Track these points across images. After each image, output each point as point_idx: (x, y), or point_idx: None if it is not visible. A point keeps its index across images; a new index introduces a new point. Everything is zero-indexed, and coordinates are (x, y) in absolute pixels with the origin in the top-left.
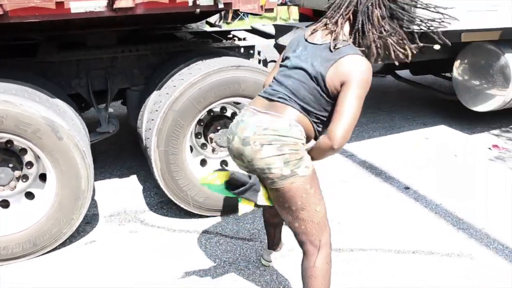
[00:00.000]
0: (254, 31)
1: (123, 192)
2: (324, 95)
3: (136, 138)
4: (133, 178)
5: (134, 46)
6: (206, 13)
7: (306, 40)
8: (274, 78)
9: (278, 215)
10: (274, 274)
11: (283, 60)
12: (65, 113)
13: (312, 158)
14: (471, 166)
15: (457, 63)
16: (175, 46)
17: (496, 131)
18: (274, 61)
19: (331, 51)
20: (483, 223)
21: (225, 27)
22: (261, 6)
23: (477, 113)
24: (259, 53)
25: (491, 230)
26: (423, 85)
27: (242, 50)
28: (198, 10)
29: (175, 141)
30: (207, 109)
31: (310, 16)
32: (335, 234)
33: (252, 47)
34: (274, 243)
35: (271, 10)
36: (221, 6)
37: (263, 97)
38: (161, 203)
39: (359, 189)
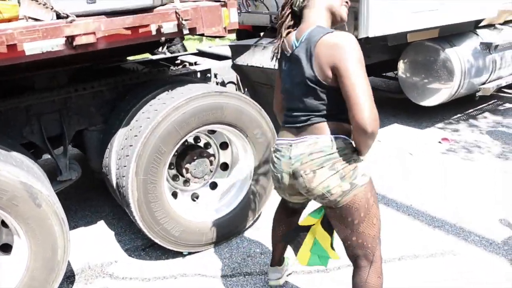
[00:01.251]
0: (201, 54)
1: (82, 246)
2: (325, 92)
3: (94, 180)
4: (90, 228)
5: (88, 83)
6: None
7: (285, 53)
8: (283, 105)
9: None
10: None
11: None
12: (32, 169)
13: (361, 154)
14: (428, 162)
15: (401, 62)
16: (131, 79)
17: (440, 125)
18: (232, 83)
19: (303, 47)
20: (455, 217)
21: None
22: (224, 28)
23: (419, 109)
24: (215, 75)
25: (464, 224)
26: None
27: (198, 74)
28: (163, 38)
29: (155, 169)
30: (189, 135)
31: (249, 30)
32: None
33: (208, 70)
34: (279, 259)
35: (233, 31)
36: (186, 32)
37: (288, 127)
38: (128, 250)
39: None
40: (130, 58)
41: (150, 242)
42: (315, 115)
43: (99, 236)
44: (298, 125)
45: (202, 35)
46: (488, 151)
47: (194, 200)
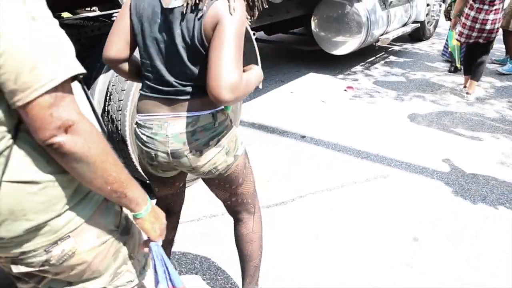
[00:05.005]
0: None
1: None
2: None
3: None
4: None
5: None
6: None
7: (161, 5)
8: (144, 63)
9: (174, 228)
10: None
11: (135, 29)
12: None
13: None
14: (340, 107)
15: (314, 17)
16: (93, 30)
17: (340, 76)
18: None
19: (195, 10)
20: (376, 149)
21: None
22: None
23: (320, 62)
24: None
25: (385, 153)
26: (285, 42)
27: None
28: None
29: None
30: None
31: None
32: (269, 193)
33: None
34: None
35: None
36: None
37: (156, 97)
38: None
39: (263, 147)
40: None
41: None
42: (193, 86)
43: None
44: (171, 97)
45: None
46: (386, 95)
47: None
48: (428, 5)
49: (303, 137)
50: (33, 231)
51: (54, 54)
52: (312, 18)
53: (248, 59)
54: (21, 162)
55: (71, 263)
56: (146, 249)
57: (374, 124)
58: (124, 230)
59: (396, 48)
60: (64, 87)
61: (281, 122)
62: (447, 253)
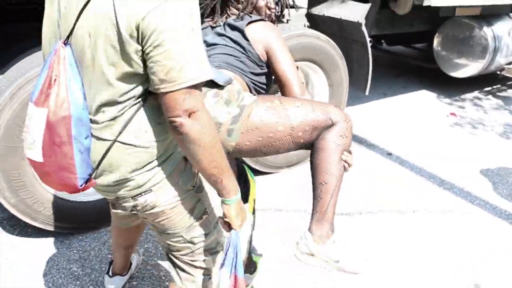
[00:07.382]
0: None
1: None
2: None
3: None
4: None
5: None
6: None
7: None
8: None
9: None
10: None
11: None
12: None
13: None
14: (436, 132)
15: (438, 35)
16: None
17: (447, 100)
18: None
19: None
20: (463, 182)
21: None
22: None
23: (426, 85)
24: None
25: (470, 188)
26: (403, 55)
27: None
28: None
29: None
30: None
31: None
32: (341, 201)
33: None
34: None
35: None
36: None
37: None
38: None
39: None
40: None
41: None
42: None
43: None
44: None
45: None
46: (491, 130)
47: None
48: None
49: (390, 154)
50: (123, 183)
51: (198, 60)
52: (435, 35)
53: (359, 63)
54: (136, 129)
55: (153, 212)
56: (227, 233)
57: (468, 157)
58: (199, 188)
59: None
60: (198, 84)
61: (371, 135)
62: None
